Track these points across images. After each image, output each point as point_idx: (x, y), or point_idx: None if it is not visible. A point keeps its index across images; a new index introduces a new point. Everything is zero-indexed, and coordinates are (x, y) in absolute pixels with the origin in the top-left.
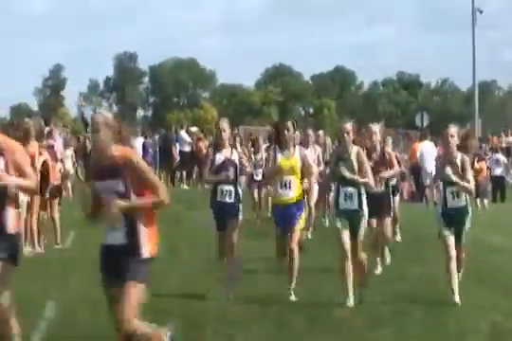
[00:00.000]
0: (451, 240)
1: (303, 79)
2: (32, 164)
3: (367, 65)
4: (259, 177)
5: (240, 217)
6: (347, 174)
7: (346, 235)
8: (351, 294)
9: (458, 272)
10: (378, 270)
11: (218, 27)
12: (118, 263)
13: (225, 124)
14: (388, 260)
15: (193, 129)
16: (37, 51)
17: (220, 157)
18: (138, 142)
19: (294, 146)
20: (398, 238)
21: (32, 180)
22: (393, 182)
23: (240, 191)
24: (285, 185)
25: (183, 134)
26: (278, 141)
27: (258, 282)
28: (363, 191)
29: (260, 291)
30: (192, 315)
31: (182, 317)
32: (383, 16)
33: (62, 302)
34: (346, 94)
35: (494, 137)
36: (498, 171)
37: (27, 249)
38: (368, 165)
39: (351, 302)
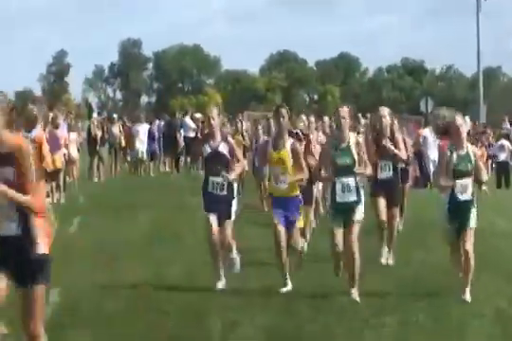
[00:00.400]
0: (454, 238)
1: (308, 65)
2: (40, 150)
3: (371, 52)
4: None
5: (233, 214)
6: (356, 169)
7: (339, 235)
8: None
9: (465, 275)
10: (384, 258)
11: (223, 14)
12: (15, 258)
13: (214, 112)
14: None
15: (198, 115)
16: (42, 37)
17: (207, 149)
18: (143, 128)
19: (287, 135)
20: (400, 227)
21: (37, 194)
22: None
23: (234, 184)
24: (278, 177)
25: (188, 120)
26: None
27: (261, 271)
28: (360, 182)
29: (263, 279)
30: (195, 302)
31: (185, 304)
32: (388, 3)
33: (66, 288)
34: (350, 80)
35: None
36: (502, 157)
37: None
38: (366, 155)
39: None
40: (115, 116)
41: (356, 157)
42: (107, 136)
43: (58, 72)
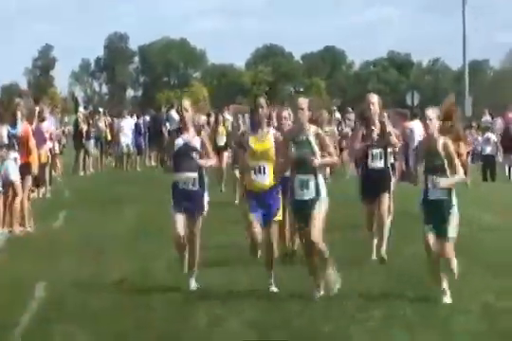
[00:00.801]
0: (431, 237)
1: (294, 58)
2: (27, 142)
3: (358, 46)
4: None
5: (205, 208)
6: (315, 162)
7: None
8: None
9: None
10: (374, 256)
11: (209, 7)
12: None
13: (186, 103)
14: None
15: None
16: (27, 31)
17: (180, 142)
18: (127, 123)
19: (268, 126)
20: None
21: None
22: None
23: (205, 179)
24: (260, 170)
25: (173, 113)
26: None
27: (248, 266)
28: (321, 178)
29: (249, 274)
30: (181, 297)
31: (171, 298)
32: None
33: (52, 283)
34: (336, 73)
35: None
36: (488, 150)
37: (17, 229)
38: (333, 148)
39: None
40: (100, 110)
41: (316, 150)
42: (93, 130)
43: (43, 66)
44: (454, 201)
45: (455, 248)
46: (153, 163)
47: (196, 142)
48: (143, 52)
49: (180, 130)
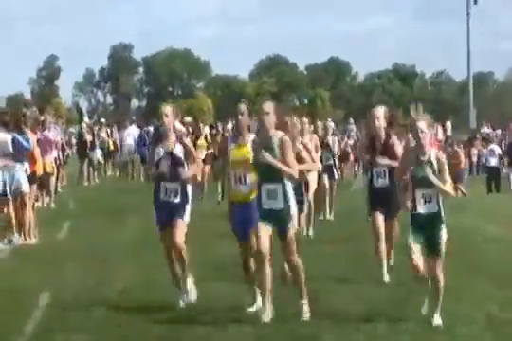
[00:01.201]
0: (417, 250)
1: (298, 69)
2: (32, 152)
3: (362, 56)
4: None
5: (186, 218)
6: (271, 160)
7: (266, 239)
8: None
9: (434, 300)
10: (386, 277)
11: (213, 18)
12: None
13: (168, 109)
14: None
15: (188, 119)
16: (32, 41)
17: (160, 150)
18: (130, 133)
19: (248, 132)
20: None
21: None
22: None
23: (189, 190)
24: (240, 179)
25: (177, 124)
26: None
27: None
28: (289, 187)
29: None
30: (185, 306)
31: (175, 308)
32: (378, 6)
33: (56, 292)
34: (341, 84)
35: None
36: (493, 162)
37: (20, 239)
38: (293, 157)
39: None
40: (103, 120)
41: (277, 157)
42: (100, 140)
43: (48, 76)
44: (443, 215)
45: (460, 259)
46: None
47: (178, 150)
48: (147, 62)
49: (160, 138)
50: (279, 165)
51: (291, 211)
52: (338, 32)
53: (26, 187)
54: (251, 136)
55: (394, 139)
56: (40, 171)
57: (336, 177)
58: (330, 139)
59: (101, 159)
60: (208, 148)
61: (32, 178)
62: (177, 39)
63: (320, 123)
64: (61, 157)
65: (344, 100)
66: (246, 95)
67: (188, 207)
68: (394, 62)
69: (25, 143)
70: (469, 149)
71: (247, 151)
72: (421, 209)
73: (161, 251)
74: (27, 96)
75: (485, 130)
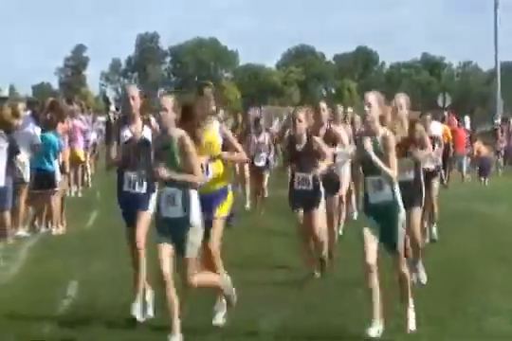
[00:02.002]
0: (371, 244)
1: (326, 59)
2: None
3: (390, 47)
4: (261, 163)
5: (150, 210)
6: (161, 172)
7: (165, 254)
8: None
9: (404, 302)
10: (422, 278)
11: (241, 7)
12: None
13: (133, 90)
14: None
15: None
16: (60, 31)
17: (127, 134)
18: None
19: (211, 118)
20: (435, 236)
21: None
22: (428, 166)
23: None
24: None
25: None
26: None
27: (262, 273)
28: (192, 192)
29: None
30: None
31: (202, 296)
32: None
33: (84, 282)
34: (368, 74)
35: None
36: None
37: (48, 229)
38: (196, 159)
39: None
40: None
41: (177, 161)
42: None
43: (76, 66)
44: (400, 202)
45: (490, 250)
46: None
47: (146, 134)
48: (174, 52)
49: (125, 120)
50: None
51: (193, 223)
52: (367, 22)
53: (57, 176)
54: (214, 123)
55: (421, 130)
56: (68, 161)
57: None
58: None
59: None
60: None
61: (61, 167)
62: (204, 28)
63: (350, 114)
64: (89, 146)
65: (371, 90)
66: (274, 84)
67: (153, 197)
68: (423, 53)
69: (57, 143)
70: (496, 140)
71: (211, 138)
72: (373, 199)
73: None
74: (55, 86)
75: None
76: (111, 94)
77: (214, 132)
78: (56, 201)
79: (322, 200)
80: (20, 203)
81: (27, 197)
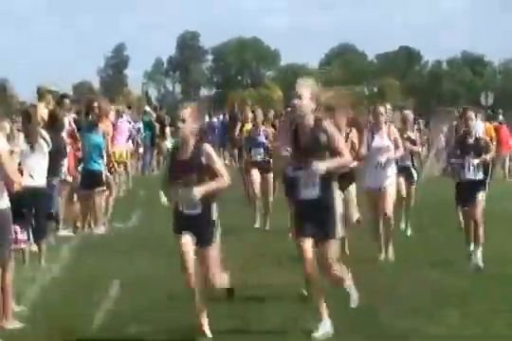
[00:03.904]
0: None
1: (367, 58)
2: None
3: (431, 46)
4: (258, 158)
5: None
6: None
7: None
8: None
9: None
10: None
11: (281, 7)
12: None
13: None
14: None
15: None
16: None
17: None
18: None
19: None
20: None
21: None
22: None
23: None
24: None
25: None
26: None
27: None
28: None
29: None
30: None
31: (244, 294)
32: None
33: (126, 282)
34: (411, 73)
35: None
36: None
37: (91, 229)
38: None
39: None
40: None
41: None
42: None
43: (116, 65)
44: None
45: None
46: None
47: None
48: (217, 51)
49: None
50: None
51: None
52: (409, 21)
53: (104, 176)
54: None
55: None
56: (110, 160)
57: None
58: (412, 135)
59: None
60: None
61: (107, 167)
62: (246, 28)
63: (397, 114)
64: (131, 146)
65: (414, 89)
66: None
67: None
68: (463, 51)
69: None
70: None
71: None
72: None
73: (231, 240)
74: (96, 85)
75: None
76: (153, 93)
77: None
78: (100, 200)
79: None
80: (63, 203)
81: (73, 197)
